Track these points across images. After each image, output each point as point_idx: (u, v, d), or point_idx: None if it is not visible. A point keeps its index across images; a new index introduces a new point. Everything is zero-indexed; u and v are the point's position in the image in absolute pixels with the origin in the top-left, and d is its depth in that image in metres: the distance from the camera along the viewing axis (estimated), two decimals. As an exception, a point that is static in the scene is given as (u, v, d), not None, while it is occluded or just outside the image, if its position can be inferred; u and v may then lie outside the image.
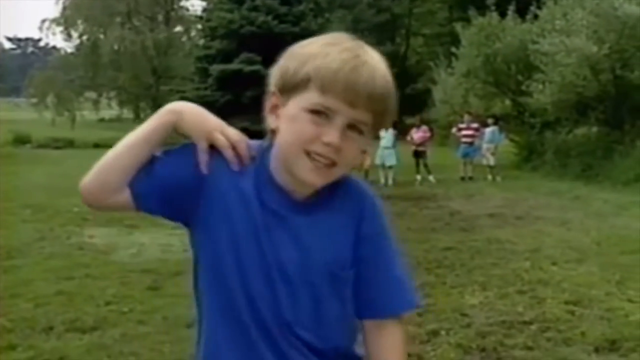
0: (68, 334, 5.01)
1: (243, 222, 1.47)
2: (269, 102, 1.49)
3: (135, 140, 1.52)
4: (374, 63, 1.43)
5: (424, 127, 17.48)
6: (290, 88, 1.42)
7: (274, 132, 1.47)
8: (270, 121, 1.48)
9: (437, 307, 5.62)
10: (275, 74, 1.48)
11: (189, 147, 1.50)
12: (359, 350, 1.61)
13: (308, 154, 1.40)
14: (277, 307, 1.47)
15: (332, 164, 1.41)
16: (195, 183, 1.47)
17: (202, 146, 1.48)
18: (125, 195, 1.49)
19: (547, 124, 18.63)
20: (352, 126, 1.41)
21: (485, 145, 16.88)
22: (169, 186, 1.49)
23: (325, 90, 1.38)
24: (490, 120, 17.51)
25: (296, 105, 1.41)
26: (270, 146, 1.50)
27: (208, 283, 1.54)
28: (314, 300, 1.49)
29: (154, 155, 1.52)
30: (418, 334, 4.96)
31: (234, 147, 1.49)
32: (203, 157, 1.48)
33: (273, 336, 1.48)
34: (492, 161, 16.80)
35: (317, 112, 1.39)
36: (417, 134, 16.95)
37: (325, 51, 1.41)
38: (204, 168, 1.47)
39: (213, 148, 1.48)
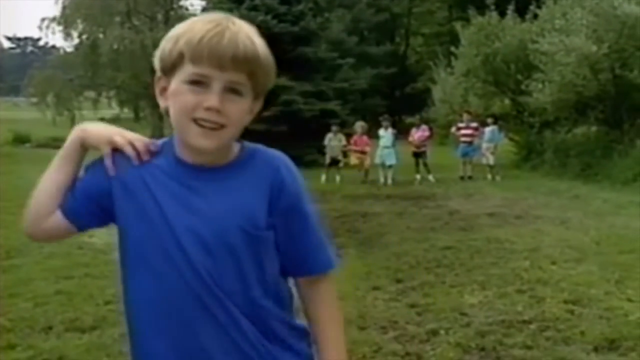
0: (67, 333, 5.01)
1: (154, 205, 1.58)
2: (158, 87, 1.61)
3: (54, 163, 1.70)
4: (237, 29, 1.54)
5: (424, 127, 17.48)
6: (169, 68, 1.55)
7: (168, 114, 1.58)
8: (161, 103, 1.60)
9: (437, 307, 5.62)
10: (156, 59, 1.59)
11: (101, 159, 1.66)
12: (300, 321, 1.73)
13: (195, 121, 1.51)
14: (206, 276, 1.56)
15: (220, 127, 1.52)
16: (107, 185, 1.62)
17: (106, 151, 1.62)
18: (58, 217, 1.66)
19: (546, 123, 18.63)
20: (230, 89, 1.52)
21: (485, 145, 16.87)
22: (89, 196, 1.65)
23: (195, 60, 1.49)
24: (489, 120, 17.50)
25: (177, 81, 1.53)
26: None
27: (133, 272, 1.67)
28: (236, 263, 1.57)
29: (77, 177, 1.68)
30: (417, 333, 4.97)
31: (132, 145, 1.61)
32: (108, 162, 1.63)
33: (207, 307, 1.56)
34: (491, 160, 16.79)
35: (195, 82, 1.50)
36: (416, 134, 16.95)
37: (191, 26, 1.53)
38: (110, 170, 1.62)
39: (117, 151, 1.62)
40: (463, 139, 17.08)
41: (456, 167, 17.01)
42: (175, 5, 40.89)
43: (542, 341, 4.78)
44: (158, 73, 1.60)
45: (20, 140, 31.07)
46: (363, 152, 16.16)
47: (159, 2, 39.53)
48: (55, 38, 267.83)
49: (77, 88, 38.68)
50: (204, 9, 26.19)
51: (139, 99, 41.61)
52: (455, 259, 7.51)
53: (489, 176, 16.46)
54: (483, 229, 9.50)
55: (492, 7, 20.01)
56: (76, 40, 39.74)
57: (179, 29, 1.55)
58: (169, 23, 39.51)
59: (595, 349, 4.62)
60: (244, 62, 1.51)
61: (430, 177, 16.15)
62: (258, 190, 1.61)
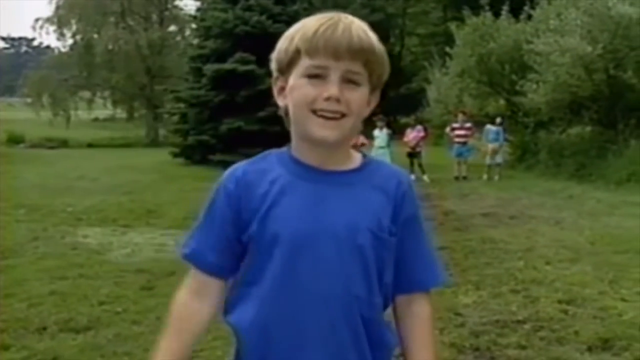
0: (61, 334, 5.00)
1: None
2: (276, 87, 1.63)
3: None
4: (350, 21, 1.57)
5: (419, 127, 17.50)
6: (286, 66, 1.58)
7: (287, 114, 1.60)
8: (280, 102, 1.62)
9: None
10: (273, 60, 1.62)
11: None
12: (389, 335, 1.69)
13: (314, 112, 1.53)
14: (341, 277, 1.57)
15: (341, 116, 1.54)
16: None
17: None
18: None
19: (541, 123, 18.66)
20: (347, 80, 1.54)
21: (490, 145, 16.84)
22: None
23: (311, 53, 1.52)
24: (498, 120, 17.49)
25: (294, 76, 1.56)
26: (288, 146, 1.64)
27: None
28: (364, 266, 1.58)
29: None
30: (412, 333, 4.96)
31: None
32: None
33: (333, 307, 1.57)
34: (499, 159, 16.80)
35: (313, 76, 1.53)
36: (411, 134, 16.97)
37: (304, 23, 1.57)
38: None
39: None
40: (457, 139, 17.11)
41: (451, 168, 17.03)
42: (169, 5, 40.81)
43: (536, 341, 4.79)
44: (275, 73, 1.62)
45: (14, 140, 31.03)
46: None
47: (154, 2, 39.44)
48: (50, 38, 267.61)
49: (72, 88, 38.60)
50: (199, 9, 26.11)
51: (134, 99, 41.58)
52: (450, 259, 7.50)
53: (485, 176, 16.47)
54: (478, 229, 9.51)
55: (487, 7, 20.03)
56: (70, 41, 39.72)
57: (292, 28, 1.59)
58: (163, 23, 39.54)
59: (589, 349, 4.63)
60: (359, 51, 1.54)
61: (425, 178, 16.17)
62: (384, 197, 1.63)
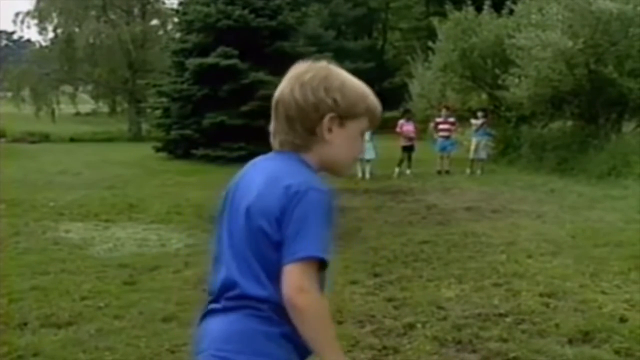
0: (43, 329, 4.98)
1: None
2: (329, 121, 1.93)
3: None
4: None
5: (411, 122, 17.55)
6: (349, 115, 1.96)
7: (317, 141, 1.94)
8: (326, 135, 1.94)
9: (414, 300, 5.65)
10: (331, 100, 1.94)
11: None
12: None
13: (355, 159, 2.11)
14: None
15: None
16: None
17: None
18: None
19: (523, 117, 18.75)
20: None
21: (475, 139, 16.88)
22: None
23: (373, 122, 2.03)
24: (480, 114, 17.53)
25: (355, 128, 1.99)
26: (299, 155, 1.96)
27: None
28: None
29: None
30: (394, 326, 5.00)
31: None
32: None
33: None
34: (483, 155, 16.87)
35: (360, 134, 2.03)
36: (405, 127, 16.98)
37: (369, 92, 2.04)
38: None
39: None
40: (441, 133, 17.18)
41: (433, 162, 17.08)
42: (151, -1, 40.59)
43: (517, 334, 4.82)
44: (333, 112, 1.94)
45: (-5, 134, 30.81)
46: None
47: (135, -5, 39.23)
48: (30, 32, 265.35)
49: (54, 82, 38.35)
50: (181, 3, 25.99)
51: (116, 93, 41.36)
52: (433, 253, 7.55)
53: (467, 170, 16.54)
54: (460, 223, 9.55)
55: (469, 2, 20.09)
56: (51, 34, 39.41)
57: (359, 87, 2.03)
58: (145, 17, 39.32)
59: (570, 341, 4.67)
60: None
61: (408, 172, 16.22)
62: None
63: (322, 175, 1.95)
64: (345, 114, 1.94)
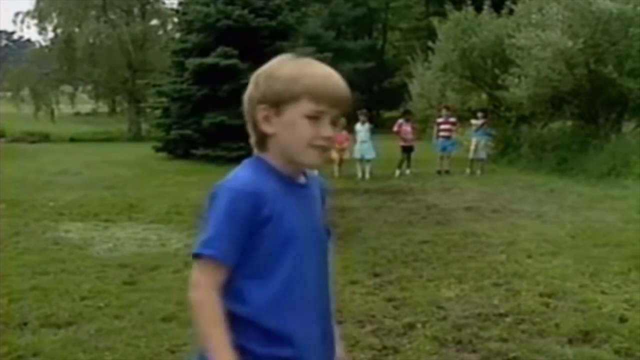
0: (43, 329, 4.98)
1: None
2: (261, 114, 1.90)
3: None
4: (335, 73, 1.94)
5: (411, 123, 17.54)
6: (281, 102, 1.88)
7: (266, 135, 1.92)
8: (266, 128, 1.91)
9: (414, 300, 5.65)
10: (260, 93, 1.91)
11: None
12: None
13: (313, 148, 1.89)
14: (325, 271, 2.04)
15: (327, 149, 1.94)
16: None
17: None
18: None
19: (522, 118, 18.74)
20: (332, 122, 1.92)
21: (474, 139, 16.88)
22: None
23: (318, 100, 1.87)
24: (479, 114, 17.53)
25: (294, 114, 1.87)
26: (259, 156, 1.96)
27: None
28: (326, 262, 2.04)
29: None
30: (394, 326, 5.00)
31: None
32: None
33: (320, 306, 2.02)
34: (482, 154, 16.87)
35: (312, 117, 1.87)
36: (404, 127, 16.97)
37: (311, 72, 1.90)
38: None
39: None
40: (442, 133, 17.19)
41: (433, 162, 17.07)
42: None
43: (517, 334, 4.82)
44: (263, 103, 1.90)
45: (-5, 134, 30.80)
46: (342, 149, 16.15)
47: (135, -5, 39.22)
48: (30, 32, 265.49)
49: (53, 82, 38.37)
50: (181, 3, 25.98)
51: (116, 94, 41.37)
52: (433, 253, 7.55)
53: (467, 170, 16.52)
54: (460, 223, 9.55)
55: (469, 2, 20.09)
56: (51, 34, 39.42)
57: (285, 70, 1.90)
58: (145, 17, 39.31)
59: (570, 341, 4.67)
60: (347, 102, 1.94)
61: (408, 171, 16.22)
62: (320, 201, 2.08)
63: (289, 166, 1.93)
64: (277, 101, 1.88)
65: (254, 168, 1.91)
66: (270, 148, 1.92)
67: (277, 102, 1.87)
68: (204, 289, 1.81)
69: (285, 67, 1.91)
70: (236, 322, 1.83)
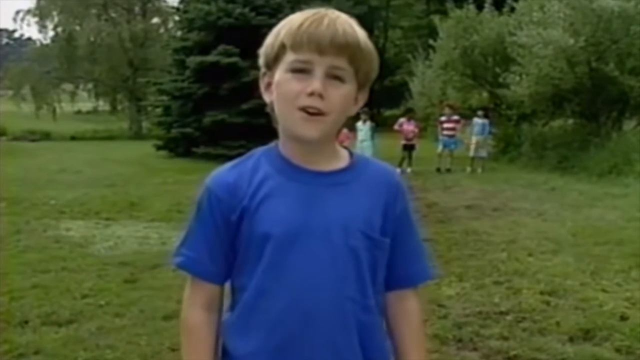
0: (44, 327, 4.98)
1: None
2: (263, 83, 1.60)
3: None
4: (335, 16, 1.54)
5: (412, 121, 17.55)
6: (273, 61, 1.55)
7: (273, 110, 1.57)
8: (267, 98, 1.59)
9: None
10: (260, 56, 1.60)
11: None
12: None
13: (299, 109, 1.49)
14: (332, 278, 1.55)
15: (321, 113, 1.50)
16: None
17: None
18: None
19: (523, 116, 18.73)
20: (332, 76, 1.50)
21: (474, 138, 16.90)
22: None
23: (296, 47, 1.49)
24: (480, 112, 17.53)
25: (279, 71, 1.53)
26: (276, 142, 1.62)
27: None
28: (357, 266, 1.56)
29: None
30: (395, 325, 4.98)
31: None
32: None
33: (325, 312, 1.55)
34: (483, 153, 16.87)
35: (297, 71, 1.50)
36: (407, 126, 16.98)
37: (290, 18, 1.55)
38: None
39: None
40: (445, 132, 17.19)
41: (434, 160, 17.06)
42: (152, -3, 40.59)
43: (518, 332, 4.82)
44: (262, 69, 1.60)
45: (-4, 133, 30.81)
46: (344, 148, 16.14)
47: (136, -7, 39.24)
48: (31, 30, 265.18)
49: (54, 81, 38.40)
50: (182, 1, 25.99)
51: (116, 92, 41.38)
52: (433, 251, 7.52)
53: (468, 169, 16.51)
54: (461, 221, 9.55)
55: (470, 0, 20.08)
56: (52, 33, 39.45)
57: (280, 24, 1.57)
58: (146, 15, 39.30)
59: (571, 339, 4.67)
60: (344, 45, 1.50)
61: (408, 170, 16.22)
62: (376, 196, 1.61)
63: (291, 144, 1.58)
64: (267, 62, 1.57)
65: (246, 157, 1.62)
66: (278, 127, 1.60)
67: (268, 63, 1.57)
68: (186, 305, 1.61)
69: (280, 22, 1.60)
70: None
